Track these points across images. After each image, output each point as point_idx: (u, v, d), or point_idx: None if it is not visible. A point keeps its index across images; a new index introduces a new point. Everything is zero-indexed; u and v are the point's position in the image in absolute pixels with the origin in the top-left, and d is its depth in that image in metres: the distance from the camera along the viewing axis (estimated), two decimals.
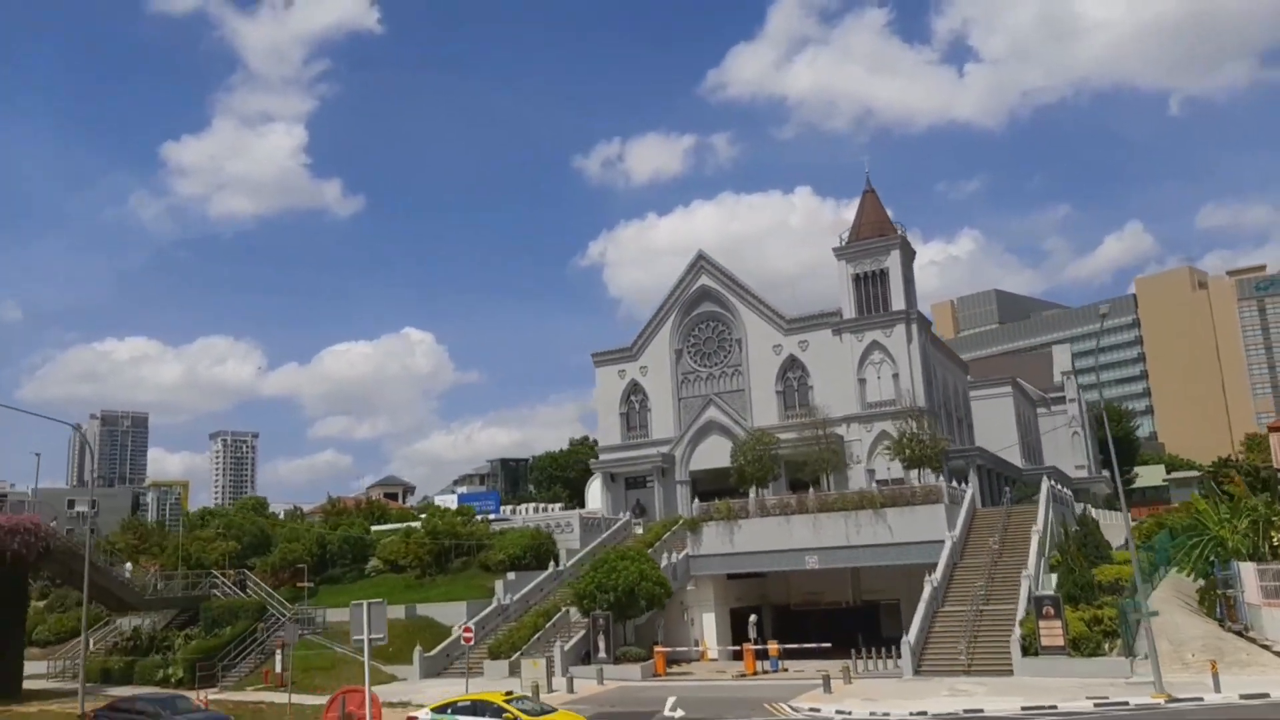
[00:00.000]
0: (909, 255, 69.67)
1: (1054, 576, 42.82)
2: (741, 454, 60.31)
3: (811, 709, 31.59)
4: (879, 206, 71.20)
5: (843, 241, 70.87)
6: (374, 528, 65.48)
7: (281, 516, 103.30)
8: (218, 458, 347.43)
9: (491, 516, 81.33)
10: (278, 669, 44.38)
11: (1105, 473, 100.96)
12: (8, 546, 42.26)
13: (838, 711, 30.82)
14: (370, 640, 16.45)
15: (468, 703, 26.88)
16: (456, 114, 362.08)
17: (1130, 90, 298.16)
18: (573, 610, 49.68)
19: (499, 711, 25.59)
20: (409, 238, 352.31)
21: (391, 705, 34.96)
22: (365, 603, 18.66)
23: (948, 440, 61.50)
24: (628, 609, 45.26)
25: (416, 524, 61.59)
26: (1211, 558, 40.07)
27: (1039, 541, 46.62)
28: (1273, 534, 38.70)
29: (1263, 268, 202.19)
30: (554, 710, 27.07)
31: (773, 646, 45.77)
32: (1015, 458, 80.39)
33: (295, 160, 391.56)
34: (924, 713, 29.89)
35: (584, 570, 48.21)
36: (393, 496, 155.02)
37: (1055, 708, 29.63)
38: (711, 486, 69.76)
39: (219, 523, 68.00)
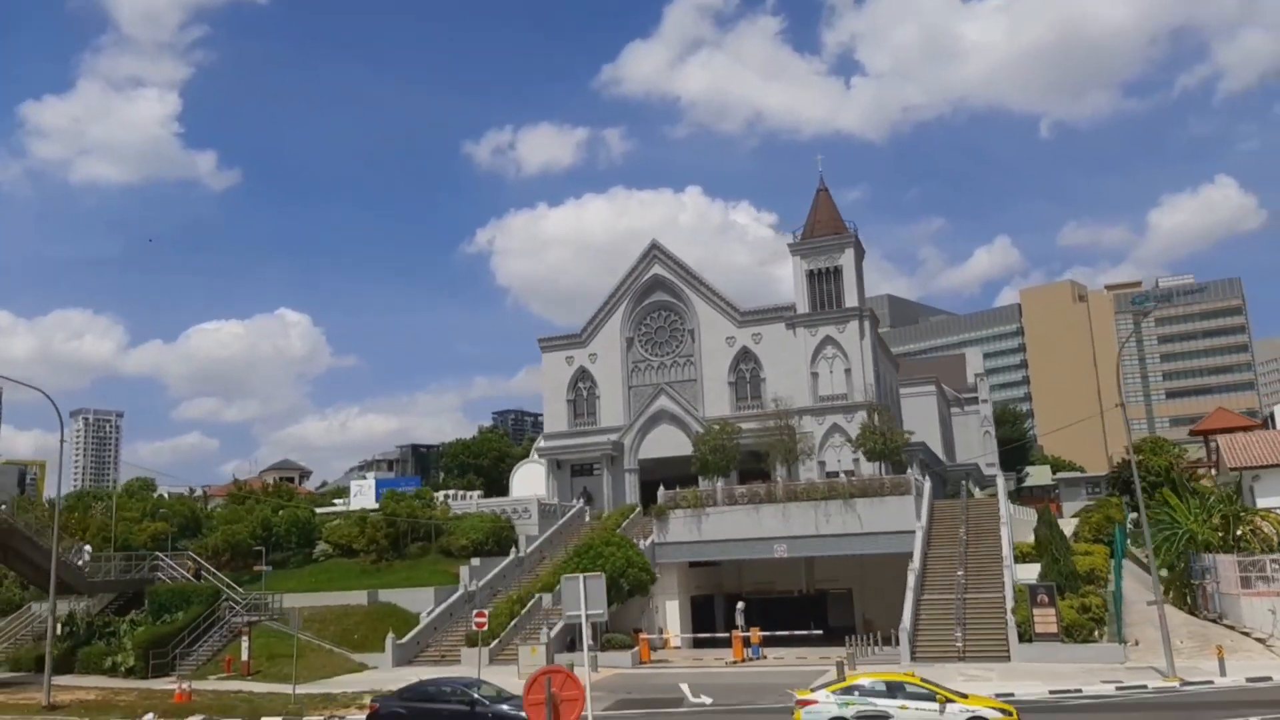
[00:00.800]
0: (859, 254, 70.92)
1: (1035, 566, 44.19)
2: (704, 443, 60.17)
3: None
4: (831, 205, 72.25)
5: (796, 238, 71.67)
6: (318, 510, 62.66)
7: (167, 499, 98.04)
8: (79, 437, 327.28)
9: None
10: (244, 656, 42.02)
11: (1008, 472, 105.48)
12: None
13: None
14: (588, 617, 15.37)
15: (880, 682, 24.56)
16: (343, 91, 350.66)
17: (1004, 112, 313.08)
18: (545, 597, 48.72)
19: (929, 694, 23.43)
20: (287, 216, 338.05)
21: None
22: (581, 576, 17.49)
23: (908, 434, 62.86)
24: (613, 596, 44.52)
25: (338, 505, 59.35)
26: (1181, 550, 42.10)
27: (1008, 533, 48.21)
28: (1240, 528, 40.92)
29: (1138, 284, 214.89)
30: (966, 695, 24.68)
31: (755, 634, 45.81)
32: (938, 454, 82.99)
33: (166, 129, 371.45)
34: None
35: (563, 556, 47.24)
36: (289, 480, 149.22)
37: (1080, 691, 30.53)
38: (660, 475, 69.49)
39: (144, 504, 63.86)
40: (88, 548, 50.65)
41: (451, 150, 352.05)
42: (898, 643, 44.93)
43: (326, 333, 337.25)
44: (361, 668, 43.66)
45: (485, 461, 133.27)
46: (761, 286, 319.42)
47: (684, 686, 35.02)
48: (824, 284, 69.13)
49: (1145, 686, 30.76)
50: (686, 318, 72.02)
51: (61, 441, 35.17)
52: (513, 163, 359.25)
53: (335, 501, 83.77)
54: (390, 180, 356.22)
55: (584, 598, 15.05)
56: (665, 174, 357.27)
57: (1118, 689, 30.62)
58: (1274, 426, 62.22)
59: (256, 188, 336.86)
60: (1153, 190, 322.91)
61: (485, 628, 35.87)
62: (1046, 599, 38.16)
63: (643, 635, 45.15)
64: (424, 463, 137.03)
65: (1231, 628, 37.73)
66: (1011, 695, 30.24)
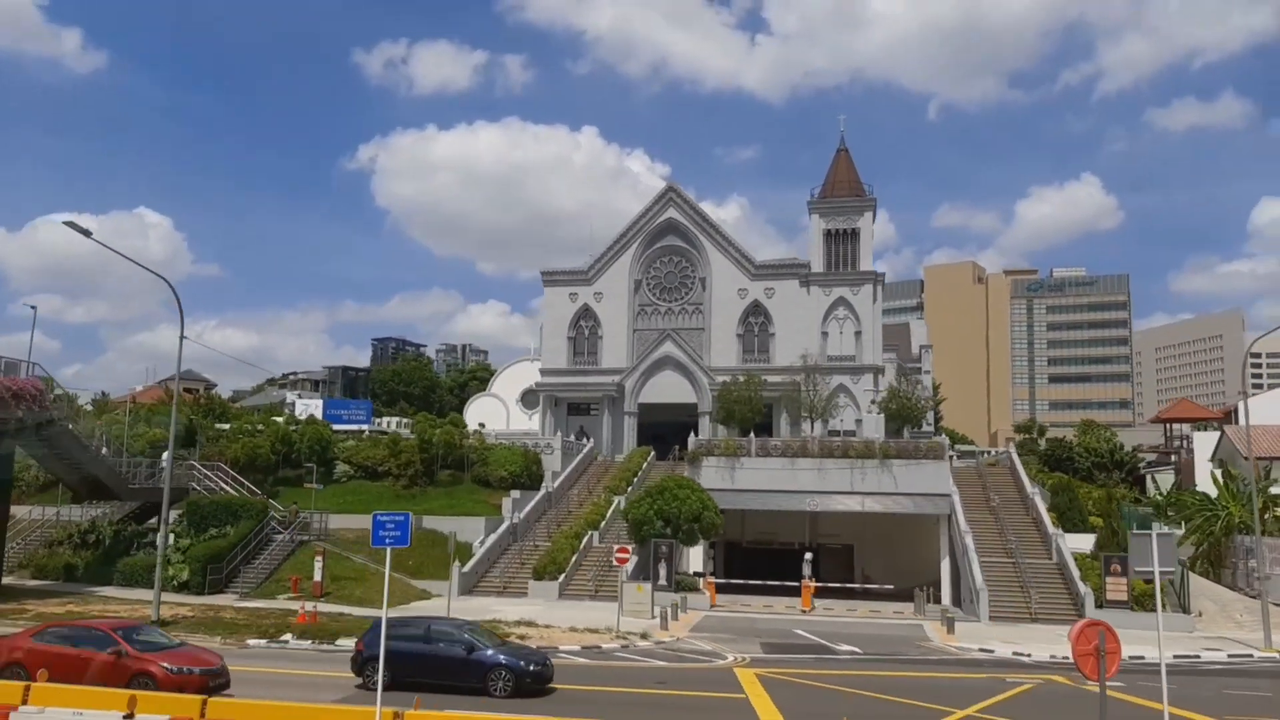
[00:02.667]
0: (872, 218, 72.22)
1: (1089, 536, 46.75)
2: (728, 393, 60.64)
3: (982, 649, 33.02)
4: (851, 166, 73.10)
5: (814, 195, 72.29)
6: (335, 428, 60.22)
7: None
8: None
9: (365, 428, 77.30)
10: (316, 577, 40.38)
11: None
12: (11, 414, 35.33)
13: (1014, 653, 32.43)
14: (1160, 574, 15.31)
15: None
16: None
17: (899, 88, 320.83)
18: (595, 535, 48.62)
19: None
20: (154, 108, 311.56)
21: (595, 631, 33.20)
22: (1153, 532, 17.38)
23: (930, 400, 64.90)
24: (690, 538, 44.86)
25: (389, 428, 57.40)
26: (1216, 530, 45.40)
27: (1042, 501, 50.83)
28: (1276, 510, 44.42)
29: (1034, 272, 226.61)
30: None
31: (805, 586, 46.96)
32: None
33: None
34: (1066, 657, 32.01)
35: (637, 495, 47.05)
36: (191, 392, 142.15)
37: (1199, 657, 32.82)
38: (658, 420, 69.92)
39: (143, 409, 59.76)
40: (165, 454, 47.24)
41: (340, 57, 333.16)
42: (936, 600, 47.17)
43: (189, 238, 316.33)
44: (425, 595, 42.66)
45: (416, 390, 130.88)
46: None
47: (802, 632, 35.84)
48: (840, 244, 70.18)
49: (1251, 655, 33.26)
50: (699, 265, 71.89)
51: (181, 337, 32.52)
52: (405, 78, 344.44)
53: (275, 419, 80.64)
54: (270, 82, 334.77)
55: (1155, 554, 15.19)
56: (563, 110, 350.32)
57: (1230, 656, 33.04)
58: (1236, 420, 67.19)
59: (123, 76, 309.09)
60: (1023, 181, 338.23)
61: (626, 562, 35.47)
62: (1120, 568, 40.47)
63: (710, 579, 45.67)
64: (352, 386, 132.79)
65: (1276, 605, 41.03)
66: (1142, 658, 32.32)
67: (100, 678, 19.29)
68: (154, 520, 47.54)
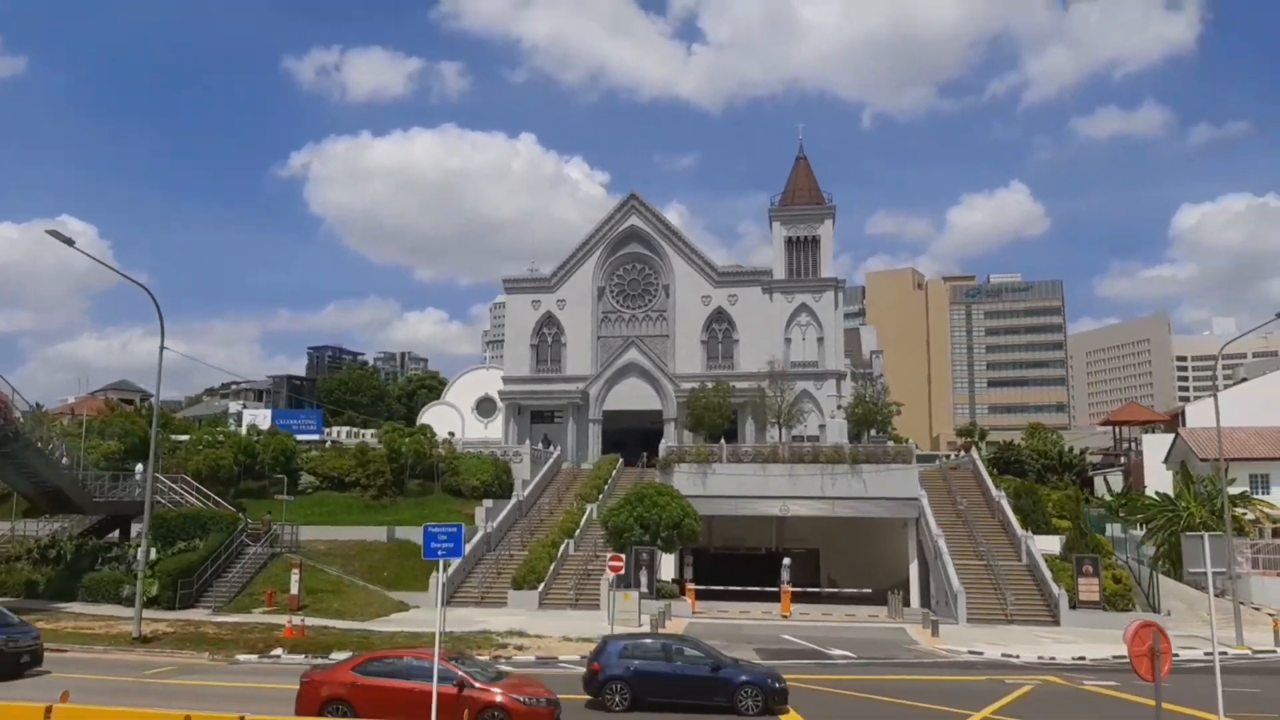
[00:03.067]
0: (832, 225, 73.11)
1: (1054, 538, 47.83)
2: (697, 400, 60.84)
3: (971, 651, 33.53)
4: (810, 175, 73.92)
5: (774, 204, 72.96)
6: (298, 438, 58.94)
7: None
8: None
9: (315, 438, 76.06)
10: (293, 590, 39.46)
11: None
12: None
13: (1003, 654, 32.99)
14: (1213, 574, 15.58)
15: None
16: None
17: (833, 98, 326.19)
18: (571, 543, 48.36)
19: None
20: (78, 115, 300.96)
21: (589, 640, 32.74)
22: (1204, 535, 17.61)
23: (897, 405, 65.83)
24: (669, 545, 44.83)
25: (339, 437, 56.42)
26: (1171, 530, 46.76)
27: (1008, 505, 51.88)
28: (1235, 512, 45.90)
29: (972, 278, 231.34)
30: None
31: (784, 592, 47.31)
32: None
33: None
34: (1082, 657, 32.76)
35: (614, 503, 46.88)
36: (128, 403, 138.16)
37: (1178, 655, 33.64)
38: (624, 427, 69.84)
39: (94, 420, 57.72)
40: (139, 467, 45.67)
41: (270, 63, 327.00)
42: (908, 603, 47.87)
43: (114, 246, 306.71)
44: (403, 606, 42.01)
45: (363, 399, 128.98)
46: None
47: (790, 638, 36.05)
48: (801, 252, 70.90)
49: (1226, 652, 34.26)
50: (661, 272, 72.03)
51: (162, 347, 31.57)
52: (338, 85, 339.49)
53: (236, 430, 78.88)
54: (199, 88, 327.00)
55: (1207, 555, 15.52)
56: (501, 118, 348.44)
57: (1205, 654, 34.01)
58: (1183, 423, 69.45)
59: (44, 81, 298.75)
60: (955, 188, 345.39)
61: (620, 570, 35.30)
62: (1091, 569, 41.60)
63: (690, 586, 45.71)
64: (297, 395, 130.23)
65: (1243, 604, 42.41)
66: (1120, 657, 33.09)
67: (445, 714, 17.18)
68: (114, 534, 46.18)
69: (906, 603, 49.48)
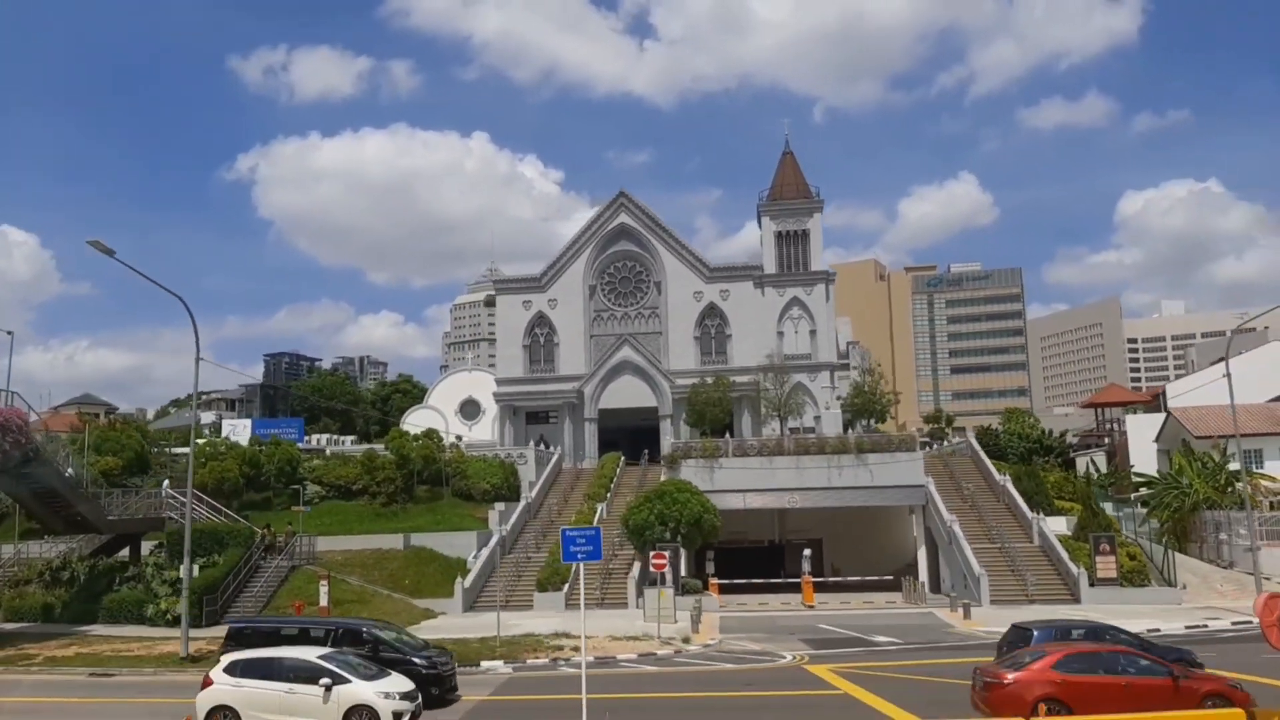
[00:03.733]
0: (820, 219, 73.77)
1: (1060, 519, 48.79)
2: (697, 395, 61.09)
3: None
4: (797, 169, 74.47)
5: (762, 199, 73.42)
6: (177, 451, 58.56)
7: None
8: None
9: (300, 446, 75.14)
10: (322, 602, 39.02)
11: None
12: None
13: None
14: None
15: None
16: None
17: (785, 92, 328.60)
18: None
19: None
20: (14, 121, 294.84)
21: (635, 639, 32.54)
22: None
23: (895, 394, 66.49)
24: (690, 542, 44.98)
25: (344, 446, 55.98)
26: (1177, 506, 47.95)
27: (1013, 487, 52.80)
28: (1234, 487, 47.18)
29: (933, 268, 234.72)
30: None
31: (805, 581, 47.74)
32: None
33: None
34: None
35: (634, 501, 46.90)
36: (94, 417, 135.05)
37: (1205, 626, 34.68)
38: (619, 425, 69.87)
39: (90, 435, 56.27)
40: (165, 484, 44.70)
41: (214, 64, 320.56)
42: (923, 589, 48.56)
43: (56, 255, 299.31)
44: (430, 613, 41.66)
45: (339, 405, 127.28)
46: (543, 242, 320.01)
47: (827, 626, 36.41)
48: (791, 246, 71.43)
49: (1251, 623, 35.26)
50: (653, 269, 72.11)
51: (198, 359, 31.00)
52: (285, 86, 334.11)
53: (198, 441, 77.64)
54: (141, 91, 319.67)
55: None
56: (452, 117, 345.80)
57: (1232, 624, 35.02)
58: (1164, 404, 71.12)
59: None
60: (905, 180, 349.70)
61: (665, 568, 35.37)
62: (1108, 548, 42.50)
63: (714, 581, 45.93)
64: (270, 404, 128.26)
65: (1252, 575, 43.63)
66: (1158, 629, 33.95)
67: (1165, 704, 16.13)
68: (123, 553, 45.19)
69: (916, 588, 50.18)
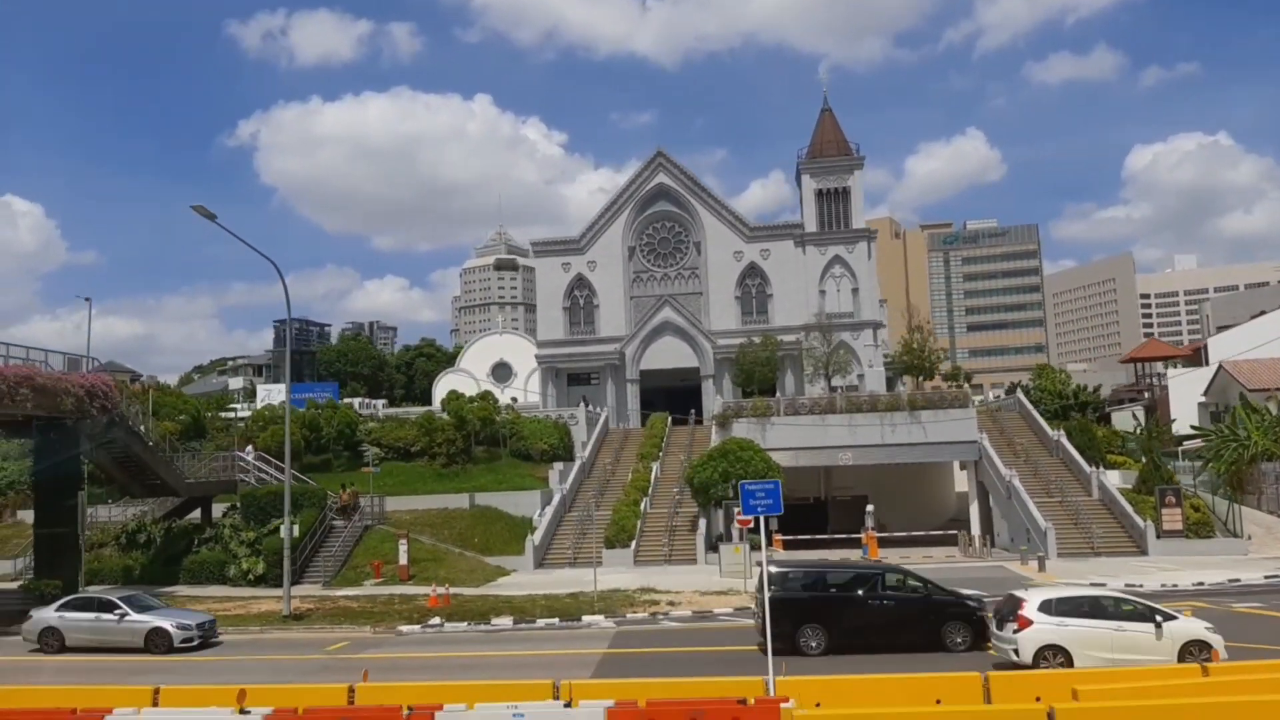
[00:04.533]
0: (861, 177, 73.40)
1: (1114, 473, 49.10)
2: (745, 355, 61.23)
3: (1094, 584, 34.42)
4: (837, 127, 73.97)
5: (801, 157, 73.01)
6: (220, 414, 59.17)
7: None
8: None
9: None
10: (402, 561, 39.58)
11: None
12: (87, 412, 33.38)
13: (1126, 584, 33.94)
14: None
15: None
16: None
17: (790, 50, 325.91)
18: (647, 501, 48.82)
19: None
20: (16, 90, 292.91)
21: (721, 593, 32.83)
22: None
23: (942, 352, 66.58)
24: None
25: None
26: (1235, 459, 48.14)
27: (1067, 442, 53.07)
28: None
29: (949, 225, 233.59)
30: None
31: (868, 536, 48.19)
32: None
33: None
34: (1200, 583, 33.81)
35: (697, 460, 47.21)
36: (124, 384, 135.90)
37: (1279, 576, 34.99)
38: (659, 385, 70.14)
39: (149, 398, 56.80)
40: (249, 448, 45.15)
41: (213, 30, 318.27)
42: (985, 543, 48.98)
43: (61, 225, 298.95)
44: (502, 571, 42.14)
45: (364, 370, 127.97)
46: (549, 205, 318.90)
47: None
48: (831, 204, 71.16)
49: None
50: (692, 229, 71.92)
51: (289, 322, 31.13)
52: (285, 51, 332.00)
53: (233, 407, 78.15)
54: (141, 58, 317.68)
55: None
56: (455, 79, 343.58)
57: None
58: (1206, 359, 71.21)
59: None
60: (912, 137, 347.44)
61: (750, 526, 35.74)
62: (1174, 500, 42.78)
63: (779, 537, 46.32)
64: (298, 368, 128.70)
65: None
66: (1238, 580, 34.29)
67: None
68: (193, 515, 45.64)
69: (972, 542, 50.55)
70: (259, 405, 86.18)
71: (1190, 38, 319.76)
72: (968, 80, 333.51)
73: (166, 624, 25.75)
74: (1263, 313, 74.93)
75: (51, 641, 26.03)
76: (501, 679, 17.70)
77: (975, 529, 53.30)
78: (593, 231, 72.46)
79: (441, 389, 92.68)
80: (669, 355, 69.85)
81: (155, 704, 14.61)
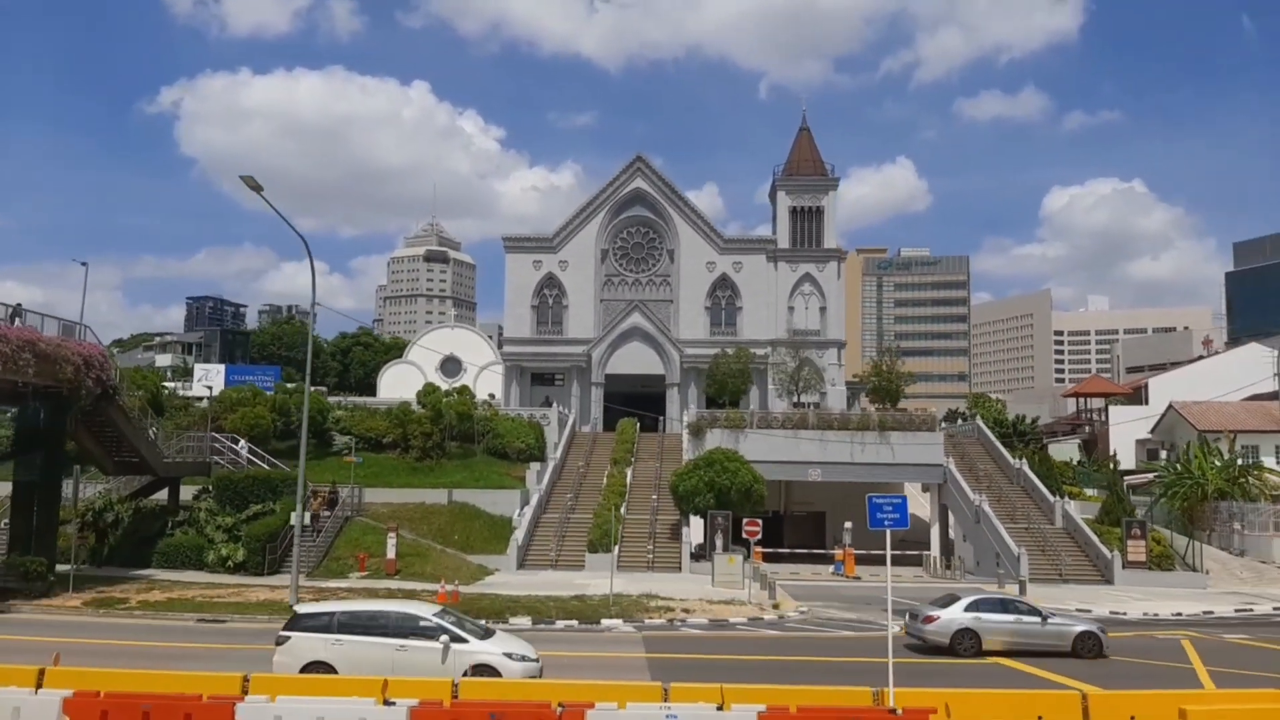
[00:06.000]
0: (835, 197, 74.60)
1: (1073, 503, 50.81)
2: (719, 366, 61.60)
3: (1079, 609, 35.60)
4: (813, 146, 75.03)
5: (777, 173, 73.88)
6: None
7: None
8: None
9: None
10: (389, 554, 38.78)
11: None
12: (82, 383, 31.93)
13: (1111, 611, 35.17)
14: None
15: None
16: None
17: (732, 65, 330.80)
18: (623, 507, 48.69)
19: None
20: None
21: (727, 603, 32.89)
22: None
23: (910, 375, 67.94)
24: (740, 509, 45.57)
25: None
26: (1189, 495, 50.37)
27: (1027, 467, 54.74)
28: (1246, 479, 49.77)
29: (884, 250, 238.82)
30: None
31: (839, 552, 48.95)
32: None
33: None
34: (1179, 613, 35.23)
35: (683, 468, 47.26)
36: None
37: (1251, 610, 36.70)
38: (624, 390, 70.02)
39: None
40: (243, 442, 43.34)
41: None
42: (960, 564, 50.18)
43: None
44: (484, 570, 41.57)
45: (299, 355, 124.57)
46: (481, 199, 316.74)
47: (892, 599, 37.41)
48: (805, 222, 72.15)
49: None
50: (666, 237, 72.13)
51: (314, 303, 30.29)
52: (216, 19, 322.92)
53: (166, 385, 75.60)
54: (60, 15, 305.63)
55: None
56: (393, 63, 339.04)
57: (1274, 608, 37.15)
58: (1146, 397, 74.31)
59: None
60: (844, 161, 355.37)
61: (757, 535, 35.98)
62: (1139, 533, 44.49)
63: (759, 550, 46.67)
64: (230, 349, 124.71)
65: (1264, 563, 46.23)
66: (1212, 612, 35.81)
67: None
68: (161, 495, 43.89)
69: (948, 565, 51.64)
70: (195, 384, 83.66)
71: (1114, 87, 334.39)
72: (902, 110, 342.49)
73: None
74: (1201, 357, 78.57)
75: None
76: (564, 679, 17.51)
77: (935, 551, 54.67)
78: (566, 231, 72.11)
79: (387, 381, 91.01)
80: (636, 361, 69.86)
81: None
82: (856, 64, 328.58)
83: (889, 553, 17.73)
